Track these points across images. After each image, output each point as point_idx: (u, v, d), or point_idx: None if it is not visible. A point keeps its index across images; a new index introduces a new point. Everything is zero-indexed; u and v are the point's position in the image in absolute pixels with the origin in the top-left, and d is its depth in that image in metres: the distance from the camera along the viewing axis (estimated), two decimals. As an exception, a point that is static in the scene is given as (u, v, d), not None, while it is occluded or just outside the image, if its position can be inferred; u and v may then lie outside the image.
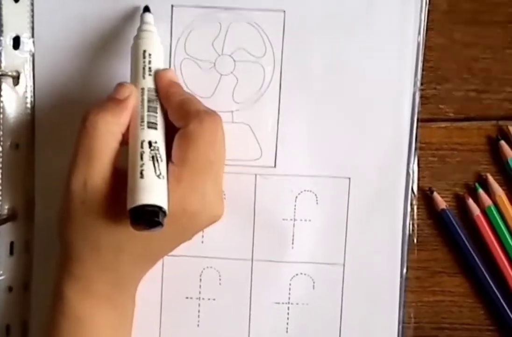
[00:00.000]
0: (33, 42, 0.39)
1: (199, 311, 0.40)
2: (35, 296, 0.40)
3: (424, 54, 0.39)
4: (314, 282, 0.40)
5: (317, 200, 0.39)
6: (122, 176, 0.32)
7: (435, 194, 0.40)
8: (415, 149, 0.39)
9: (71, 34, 0.39)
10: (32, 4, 0.39)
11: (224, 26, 0.39)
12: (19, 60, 0.40)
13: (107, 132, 0.33)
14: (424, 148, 0.40)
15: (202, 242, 0.40)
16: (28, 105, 0.40)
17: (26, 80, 0.40)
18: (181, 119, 0.34)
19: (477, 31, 0.39)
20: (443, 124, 0.40)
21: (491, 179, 0.39)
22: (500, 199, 0.39)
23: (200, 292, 0.40)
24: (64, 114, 0.40)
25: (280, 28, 0.39)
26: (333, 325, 0.40)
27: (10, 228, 0.40)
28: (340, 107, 0.39)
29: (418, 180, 0.40)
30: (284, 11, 0.39)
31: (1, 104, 0.40)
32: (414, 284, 0.40)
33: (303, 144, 0.39)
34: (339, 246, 0.40)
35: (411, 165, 0.39)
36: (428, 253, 0.40)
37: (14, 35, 0.39)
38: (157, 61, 0.36)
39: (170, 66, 0.39)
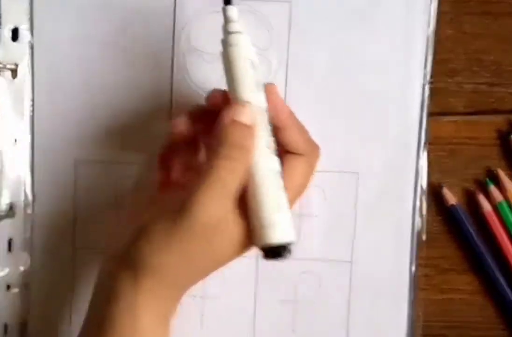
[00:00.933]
0: (32, 34, 0.39)
1: (203, 310, 0.39)
2: (34, 295, 0.40)
3: (434, 47, 0.38)
4: (321, 280, 0.39)
5: (324, 195, 0.39)
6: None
7: (445, 189, 0.39)
8: (424, 143, 0.39)
9: (70, 26, 0.39)
10: (31, -5, 0.39)
11: (228, 17, 0.38)
12: (18, 52, 0.39)
13: (243, 165, 0.30)
14: (434, 142, 0.39)
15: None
16: (27, 98, 0.39)
17: (24, 72, 0.39)
18: (301, 144, 0.32)
19: (488, 23, 0.39)
20: (452, 118, 0.39)
21: (502, 174, 0.39)
22: (511, 194, 0.38)
23: (204, 290, 0.39)
24: (63, 107, 0.39)
25: (286, 20, 0.38)
26: (340, 323, 0.39)
27: (8, 225, 0.39)
28: (347, 101, 0.39)
29: (427, 175, 0.39)
30: (290, 2, 0.38)
31: (-1, 98, 0.39)
32: (423, 281, 0.40)
33: (310, 138, 0.39)
34: (347, 242, 0.39)
35: (420, 160, 0.39)
36: (437, 250, 0.40)
37: (12, 27, 0.39)
38: (253, 71, 0.32)
39: (173, 59, 0.38)
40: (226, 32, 0.32)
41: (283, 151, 0.32)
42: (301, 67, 0.39)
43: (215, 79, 0.38)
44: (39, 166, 0.39)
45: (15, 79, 0.39)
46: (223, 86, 0.38)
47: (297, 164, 0.32)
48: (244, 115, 0.30)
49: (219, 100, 0.32)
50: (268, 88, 0.32)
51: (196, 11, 0.38)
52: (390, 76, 0.38)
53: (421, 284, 0.40)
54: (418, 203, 0.39)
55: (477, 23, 0.39)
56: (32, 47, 0.39)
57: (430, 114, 0.39)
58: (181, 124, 0.34)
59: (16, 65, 0.39)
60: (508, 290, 0.39)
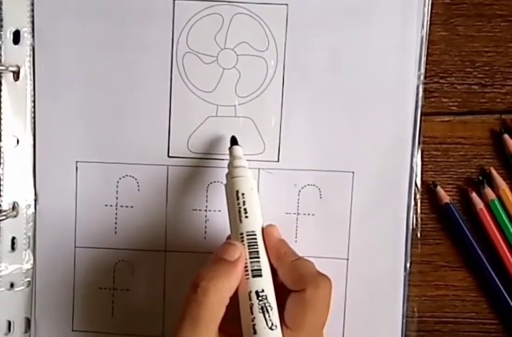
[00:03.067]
0: (33, 36, 0.39)
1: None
2: (37, 293, 0.40)
3: (428, 48, 0.39)
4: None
5: (320, 194, 0.39)
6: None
7: (439, 188, 0.40)
8: (419, 143, 0.39)
9: (71, 28, 0.39)
10: (32, -2, 0.39)
11: (226, 19, 0.39)
12: (19, 54, 0.39)
13: (218, 300, 0.31)
14: (428, 142, 0.40)
15: (205, 237, 0.40)
16: (29, 100, 0.39)
17: (26, 75, 0.39)
18: (295, 282, 0.33)
19: (481, 25, 0.39)
20: (446, 118, 0.40)
21: (494, 172, 0.39)
22: (503, 192, 0.39)
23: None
24: (65, 109, 0.39)
25: (283, 21, 0.39)
26: (336, 319, 0.40)
27: (11, 224, 0.40)
28: (343, 101, 0.39)
29: (422, 174, 0.40)
30: (287, 5, 0.39)
31: (1, 99, 0.39)
32: (417, 278, 0.40)
33: (306, 138, 0.39)
34: (343, 240, 0.39)
35: (414, 159, 0.39)
36: (431, 247, 0.40)
37: (14, 29, 0.39)
38: (253, 200, 0.34)
39: (172, 61, 0.39)
40: (232, 166, 0.36)
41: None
42: (298, 68, 0.39)
43: (213, 81, 0.39)
44: (41, 166, 0.40)
45: (17, 82, 0.39)
46: (222, 87, 0.39)
47: (290, 302, 0.32)
48: (227, 254, 0.33)
49: None
50: (267, 229, 0.34)
51: (195, 13, 0.39)
52: (385, 77, 0.39)
53: (416, 281, 0.40)
54: (412, 201, 0.39)
55: (470, 25, 0.39)
56: (33, 50, 0.39)
57: (424, 114, 0.39)
58: None
59: (18, 67, 0.39)
60: (501, 286, 0.39)
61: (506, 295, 0.39)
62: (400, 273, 0.39)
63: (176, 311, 0.39)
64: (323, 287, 0.32)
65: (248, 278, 0.32)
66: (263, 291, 0.32)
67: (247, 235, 0.33)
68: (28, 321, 0.41)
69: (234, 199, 0.34)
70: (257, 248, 0.33)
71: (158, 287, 0.40)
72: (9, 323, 0.40)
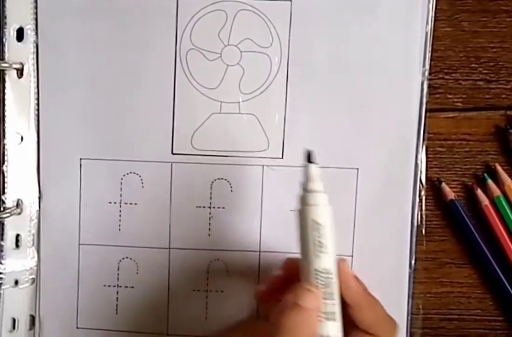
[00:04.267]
0: (37, 34, 0.39)
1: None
2: (42, 290, 0.40)
3: (432, 44, 0.39)
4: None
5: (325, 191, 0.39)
6: None
7: (444, 185, 0.39)
8: (423, 139, 0.39)
9: (74, 26, 0.39)
10: (35, -5, 0.39)
11: (230, 16, 0.39)
12: (23, 52, 0.39)
13: None
14: (432, 138, 0.40)
15: (209, 234, 0.40)
16: (33, 97, 0.39)
17: (30, 72, 0.39)
18: (370, 324, 0.31)
19: (485, 20, 0.39)
20: (451, 114, 0.40)
21: (499, 168, 0.39)
22: (509, 188, 0.39)
23: (208, 284, 0.40)
24: (69, 106, 0.39)
25: (286, 18, 0.39)
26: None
27: (16, 222, 0.40)
28: (347, 98, 0.39)
29: (426, 170, 0.39)
30: (291, 1, 0.38)
31: (5, 97, 0.39)
32: (422, 275, 0.40)
33: (310, 135, 0.39)
34: (347, 237, 0.39)
35: (419, 155, 0.39)
36: (436, 244, 0.40)
37: (17, 27, 0.39)
38: (331, 232, 0.30)
39: (175, 57, 0.39)
40: (304, 189, 0.31)
41: (352, 327, 0.31)
42: (302, 65, 0.39)
43: (217, 78, 0.39)
44: (45, 164, 0.40)
45: (21, 79, 0.39)
46: (226, 84, 0.39)
47: None
48: (307, 301, 0.30)
49: (294, 269, 0.32)
50: (340, 265, 0.31)
51: (198, 9, 0.39)
52: (389, 73, 0.39)
53: (421, 277, 0.40)
54: (417, 198, 0.39)
55: (475, 20, 0.39)
56: (37, 47, 0.39)
57: (429, 111, 0.39)
58: (263, 295, 0.34)
59: (22, 64, 0.39)
60: (506, 283, 0.39)
61: (511, 292, 0.39)
62: (405, 270, 0.39)
63: (180, 308, 0.40)
64: (393, 334, 0.32)
65: (322, 321, 0.30)
66: (336, 336, 0.30)
67: (322, 273, 0.30)
68: (32, 318, 0.41)
69: (311, 229, 0.30)
70: (333, 289, 0.30)
71: (162, 284, 0.40)
72: (14, 320, 0.40)
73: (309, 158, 0.32)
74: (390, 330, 0.32)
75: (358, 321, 0.31)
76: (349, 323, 0.31)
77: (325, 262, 0.30)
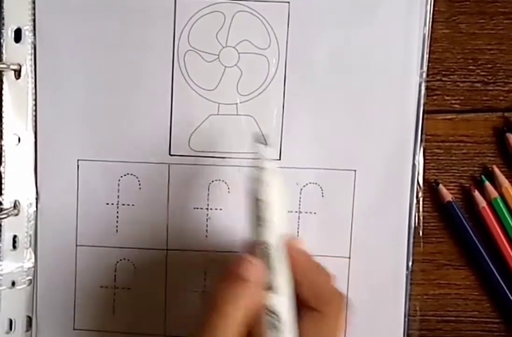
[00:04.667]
0: (35, 35, 0.39)
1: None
2: (39, 291, 0.40)
3: (430, 46, 0.39)
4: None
5: (322, 193, 0.39)
6: None
7: (441, 186, 0.39)
8: (421, 141, 0.39)
9: (72, 27, 0.39)
10: (33, -4, 0.39)
11: (228, 17, 0.39)
12: (21, 53, 0.39)
13: (234, 319, 0.30)
14: (430, 140, 0.39)
15: (206, 236, 0.40)
16: (30, 98, 0.39)
17: (28, 73, 0.39)
18: (312, 299, 0.32)
19: (483, 22, 0.39)
20: (449, 116, 0.40)
21: (497, 170, 0.39)
22: (506, 190, 0.39)
23: (205, 285, 0.40)
24: (66, 108, 0.39)
25: (284, 19, 0.39)
26: (339, 318, 0.40)
27: (13, 222, 0.40)
28: (345, 99, 0.39)
29: (424, 172, 0.39)
30: (289, 2, 0.38)
31: (3, 98, 0.39)
32: (419, 276, 0.40)
33: (308, 136, 0.39)
34: (345, 238, 0.39)
35: (416, 157, 0.39)
36: (433, 245, 0.40)
37: (15, 27, 0.39)
38: (277, 209, 0.31)
39: (173, 59, 0.39)
40: (262, 168, 0.32)
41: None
42: (300, 65, 0.39)
43: (214, 79, 0.39)
44: (43, 165, 0.40)
45: (18, 80, 0.39)
46: (224, 85, 0.39)
47: (306, 319, 0.31)
48: (249, 272, 0.31)
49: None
50: (288, 240, 0.32)
51: (196, 11, 0.39)
52: (387, 75, 0.39)
53: (418, 279, 0.40)
54: (415, 200, 0.39)
55: (473, 22, 0.39)
56: (35, 48, 0.39)
57: (427, 112, 0.39)
58: None
59: (19, 65, 0.39)
60: (503, 285, 0.39)
61: (508, 294, 0.39)
62: (402, 271, 0.39)
63: (177, 310, 0.40)
64: (339, 308, 0.32)
65: (264, 293, 0.31)
66: (277, 306, 0.31)
67: (266, 246, 0.31)
68: (29, 320, 0.41)
69: (256, 206, 0.32)
70: (275, 261, 0.31)
71: (159, 285, 0.40)
72: (11, 321, 0.40)
73: (259, 140, 0.33)
74: (333, 305, 0.32)
75: (300, 296, 0.32)
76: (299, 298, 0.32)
77: (264, 235, 0.31)
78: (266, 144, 0.33)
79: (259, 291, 0.31)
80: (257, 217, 0.31)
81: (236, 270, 0.31)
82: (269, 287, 0.31)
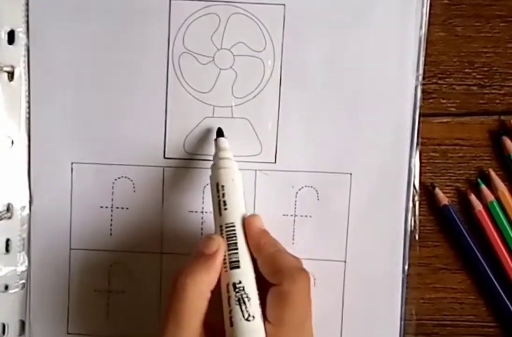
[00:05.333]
0: (28, 36, 0.39)
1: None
2: (32, 295, 0.40)
3: (426, 49, 0.39)
4: (315, 279, 0.39)
5: (318, 196, 0.39)
6: (216, 331, 0.32)
7: (437, 190, 0.39)
8: (417, 144, 0.39)
9: (66, 28, 0.39)
10: (27, -2, 0.39)
11: (223, 20, 0.38)
12: (14, 55, 0.39)
13: (197, 294, 0.31)
14: (426, 143, 0.39)
15: (201, 239, 0.39)
16: (24, 100, 0.39)
17: (21, 75, 0.39)
18: (273, 275, 0.32)
19: (479, 25, 0.39)
20: (445, 119, 0.40)
21: (493, 174, 0.39)
22: (502, 194, 0.39)
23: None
24: (60, 110, 0.39)
25: (280, 22, 0.38)
26: (334, 321, 0.39)
27: (6, 226, 0.40)
28: (341, 102, 0.39)
29: (420, 175, 0.39)
30: (284, 5, 0.38)
31: (-4, 100, 0.39)
32: (415, 280, 0.40)
33: (303, 139, 0.39)
34: (341, 242, 0.39)
35: (412, 160, 0.39)
36: (430, 249, 0.40)
37: (8, 29, 0.39)
38: (233, 191, 0.34)
39: (168, 61, 0.39)
40: (218, 158, 0.35)
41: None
42: (295, 68, 0.39)
43: (209, 82, 0.39)
44: (36, 167, 0.39)
45: (12, 82, 0.39)
46: (219, 88, 0.39)
47: (269, 296, 0.32)
48: (206, 247, 0.33)
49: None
50: (247, 219, 0.34)
51: (191, 13, 0.38)
52: (383, 78, 0.39)
53: (414, 283, 0.40)
54: (410, 203, 0.39)
55: (469, 25, 0.39)
56: (28, 50, 0.39)
57: (423, 115, 0.39)
58: None
59: (13, 67, 0.39)
60: (499, 289, 0.39)
61: (505, 298, 0.39)
62: (398, 275, 0.39)
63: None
64: (301, 281, 0.32)
65: (226, 271, 0.32)
66: (240, 282, 0.32)
67: (226, 227, 0.33)
68: (22, 324, 0.40)
69: (215, 191, 0.34)
70: (235, 240, 0.33)
71: (154, 289, 0.40)
72: (4, 325, 0.40)
73: (219, 133, 0.37)
74: (295, 281, 0.32)
75: (262, 273, 0.33)
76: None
77: (228, 217, 0.33)
78: (223, 136, 0.37)
79: (217, 266, 0.32)
80: (220, 201, 0.34)
81: (198, 247, 0.33)
82: (234, 264, 0.32)
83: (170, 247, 0.40)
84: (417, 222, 0.39)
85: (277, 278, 0.32)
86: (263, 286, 0.32)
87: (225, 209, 0.34)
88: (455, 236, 0.40)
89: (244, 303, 0.31)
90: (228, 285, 0.32)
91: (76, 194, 0.40)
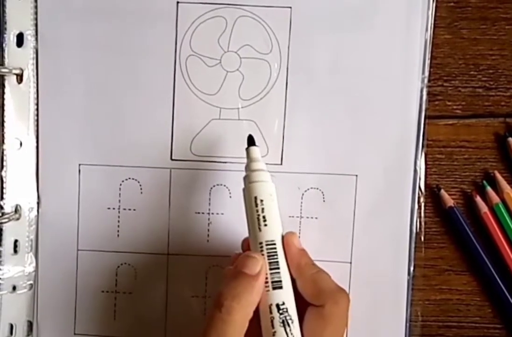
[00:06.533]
0: (37, 39, 0.39)
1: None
2: (40, 296, 0.40)
3: (432, 51, 0.39)
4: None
5: (324, 197, 0.39)
6: None
7: (443, 192, 0.39)
8: (422, 146, 0.39)
9: (74, 31, 0.39)
10: (35, 1, 0.39)
11: (230, 22, 0.39)
12: (23, 57, 0.39)
13: (242, 316, 0.31)
14: (432, 145, 0.40)
15: (208, 240, 0.40)
16: (32, 103, 0.39)
17: (29, 77, 0.39)
18: (314, 296, 0.32)
19: (485, 28, 0.39)
20: (450, 121, 0.40)
21: (499, 176, 0.39)
22: (508, 196, 0.39)
23: (206, 290, 0.40)
24: (68, 112, 0.39)
25: (286, 24, 0.39)
26: (340, 323, 0.39)
27: (14, 227, 0.40)
28: (347, 104, 0.39)
29: (426, 177, 0.39)
30: (291, 7, 0.39)
31: (5, 102, 0.39)
32: (421, 282, 0.40)
33: (309, 141, 0.39)
34: (346, 243, 0.39)
35: (418, 162, 0.39)
36: (435, 251, 0.40)
37: (17, 32, 0.39)
38: (272, 206, 0.33)
39: (175, 63, 0.39)
40: (250, 170, 0.34)
41: (302, 298, 0.32)
42: (302, 70, 0.39)
43: (216, 84, 0.39)
44: (44, 169, 0.40)
45: (20, 84, 0.39)
46: (225, 90, 0.39)
47: (309, 316, 0.32)
48: (248, 267, 0.31)
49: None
50: (286, 237, 0.33)
51: (198, 16, 0.39)
52: (389, 80, 0.39)
53: (420, 285, 0.40)
54: (416, 205, 0.39)
55: (474, 28, 0.39)
56: (37, 52, 0.39)
57: (428, 118, 0.39)
58: None
59: (21, 70, 0.39)
60: (505, 290, 0.39)
61: (510, 300, 0.39)
62: (404, 276, 0.39)
63: (178, 314, 0.40)
64: (341, 303, 0.32)
65: (268, 290, 0.31)
66: (284, 303, 0.31)
67: (267, 245, 0.32)
68: (30, 324, 0.40)
69: (253, 205, 0.32)
70: (277, 259, 0.32)
71: (160, 290, 0.40)
72: (11, 326, 0.40)
73: (250, 142, 0.35)
74: (338, 302, 0.31)
75: (302, 294, 0.32)
76: (300, 295, 0.32)
77: (268, 234, 0.32)
78: (255, 145, 0.35)
79: (260, 286, 0.31)
80: (260, 217, 0.32)
81: (238, 266, 0.32)
82: (276, 284, 0.31)
83: (177, 248, 0.40)
84: (423, 223, 0.39)
85: (319, 299, 0.31)
86: (300, 304, 0.32)
87: (265, 225, 0.32)
88: (461, 238, 0.40)
89: (288, 325, 0.31)
90: (271, 305, 0.31)
91: (83, 195, 0.40)
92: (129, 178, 0.40)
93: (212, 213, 0.40)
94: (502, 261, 0.39)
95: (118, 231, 0.40)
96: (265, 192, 0.33)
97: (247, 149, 0.35)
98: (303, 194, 0.39)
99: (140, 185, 0.40)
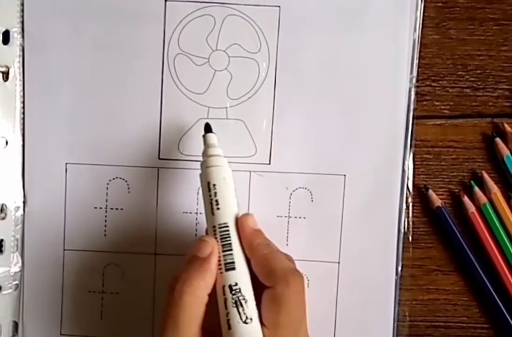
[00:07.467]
0: (23, 36, 0.39)
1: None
2: (25, 296, 0.40)
3: (420, 51, 0.39)
4: (308, 280, 0.39)
5: (312, 197, 0.39)
6: (214, 334, 0.31)
7: (430, 192, 0.39)
8: (411, 146, 0.39)
9: (61, 29, 0.39)
10: (22, -2, 0.39)
11: (218, 21, 0.38)
12: (9, 55, 0.39)
13: (195, 300, 0.31)
14: (419, 145, 0.40)
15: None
16: (18, 101, 0.39)
17: (16, 75, 0.39)
18: (266, 277, 0.32)
19: (472, 28, 0.39)
20: (438, 121, 0.40)
21: (486, 176, 0.39)
22: (495, 196, 0.39)
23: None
24: (55, 110, 0.39)
25: (275, 23, 0.39)
26: (328, 323, 0.40)
27: (0, 226, 0.40)
28: (335, 104, 0.39)
29: (413, 177, 0.39)
30: (279, 7, 0.38)
31: (-9, 100, 0.39)
32: (408, 282, 0.40)
33: (298, 141, 0.39)
34: (334, 243, 0.39)
35: (406, 162, 0.39)
36: (423, 251, 0.40)
37: (3, 29, 0.39)
38: (225, 190, 0.33)
39: (163, 62, 0.39)
40: (207, 155, 0.34)
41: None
42: (290, 70, 0.39)
43: (204, 83, 0.39)
44: (30, 168, 0.39)
45: (6, 82, 0.39)
46: (214, 89, 0.39)
47: (264, 297, 0.31)
48: (199, 250, 0.32)
49: None
50: (240, 219, 0.33)
51: (186, 14, 0.38)
52: (377, 80, 0.39)
53: (407, 284, 0.40)
54: (404, 205, 0.39)
55: (462, 28, 0.39)
56: (23, 50, 0.39)
57: (416, 118, 0.39)
58: None
59: (7, 68, 0.39)
60: (492, 290, 0.39)
61: (497, 299, 0.39)
62: (392, 276, 0.39)
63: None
64: (294, 285, 0.31)
65: (222, 272, 0.32)
66: (236, 284, 0.31)
67: (219, 228, 0.32)
68: (15, 325, 0.40)
69: (206, 190, 0.33)
70: (229, 240, 0.32)
71: (147, 290, 0.40)
72: (-3, 326, 0.40)
73: (207, 129, 0.36)
74: (289, 284, 0.31)
75: (256, 274, 0.32)
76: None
77: (221, 217, 0.33)
78: (212, 132, 0.35)
79: (213, 269, 0.32)
80: (212, 201, 0.33)
81: (191, 250, 0.32)
82: (229, 266, 0.32)
83: (164, 248, 0.40)
84: (411, 223, 0.39)
85: (271, 280, 0.31)
86: (257, 286, 0.32)
87: (218, 208, 0.33)
88: (448, 238, 0.40)
89: (241, 305, 0.31)
90: (224, 287, 0.31)
91: (70, 195, 0.39)
92: (117, 177, 0.39)
93: (200, 213, 0.39)
94: (489, 261, 0.39)
95: (105, 230, 0.40)
96: (219, 176, 0.33)
97: (204, 136, 0.35)
98: (291, 194, 0.39)
99: (128, 184, 0.39)
